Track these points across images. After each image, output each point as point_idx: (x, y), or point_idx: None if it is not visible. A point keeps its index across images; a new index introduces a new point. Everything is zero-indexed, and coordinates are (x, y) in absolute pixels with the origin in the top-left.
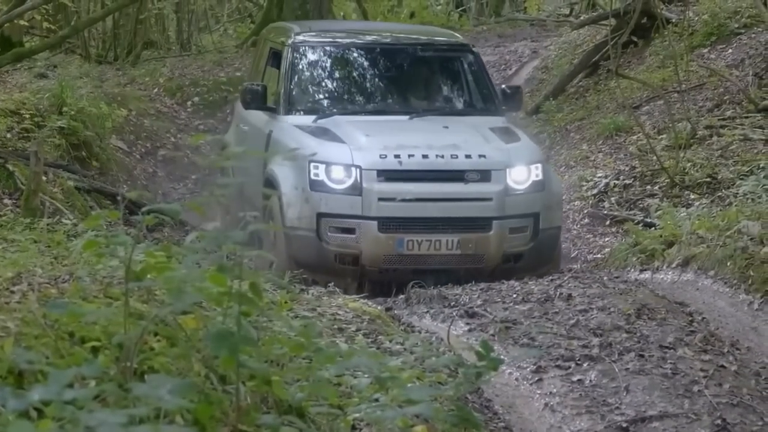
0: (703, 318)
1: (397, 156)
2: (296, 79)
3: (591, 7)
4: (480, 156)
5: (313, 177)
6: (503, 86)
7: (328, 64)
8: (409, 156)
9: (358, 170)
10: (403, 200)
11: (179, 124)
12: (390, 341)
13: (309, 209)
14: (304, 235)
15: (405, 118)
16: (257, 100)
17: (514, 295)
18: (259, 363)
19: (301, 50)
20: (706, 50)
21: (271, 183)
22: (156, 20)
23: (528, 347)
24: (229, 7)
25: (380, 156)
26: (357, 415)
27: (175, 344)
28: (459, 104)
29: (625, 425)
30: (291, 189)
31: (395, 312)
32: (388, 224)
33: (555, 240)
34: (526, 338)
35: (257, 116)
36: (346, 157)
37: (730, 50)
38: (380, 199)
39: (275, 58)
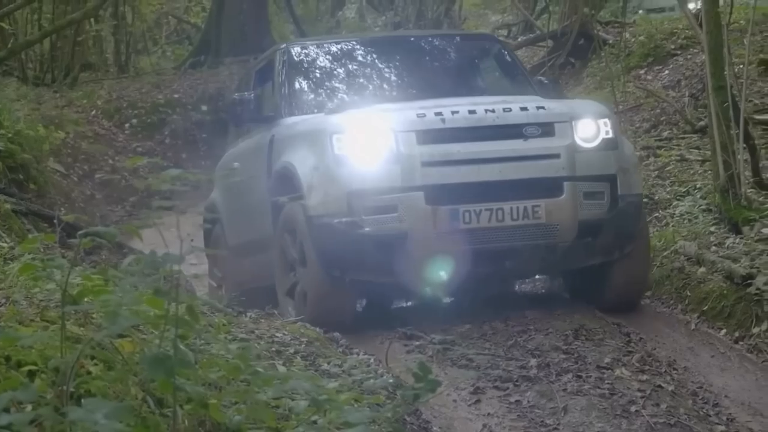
0: (641, 338)
1: (438, 114)
2: (296, 78)
3: (528, 28)
4: (538, 108)
5: (337, 151)
6: (539, 77)
7: (328, 63)
8: (453, 113)
9: (392, 134)
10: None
11: (117, 147)
12: (328, 363)
13: (337, 189)
14: (332, 222)
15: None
16: (250, 110)
17: (453, 316)
18: (196, 386)
19: (295, 52)
20: (642, 71)
21: (287, 178)
22: (94, 42)
23: (466, 368)
24: (167, 30)
25: (417, 116)
26: None
27: (112, 368)
28: (482, 81)
29: None
30: (311, 171)
31: (333, 334)
32: (437, 194)
33: (638, 210)
34: (464, 359)
35: (252, 140)
36: (376, 121)
37: (667, 71)
38: (424, 164)
39: (265, 75)
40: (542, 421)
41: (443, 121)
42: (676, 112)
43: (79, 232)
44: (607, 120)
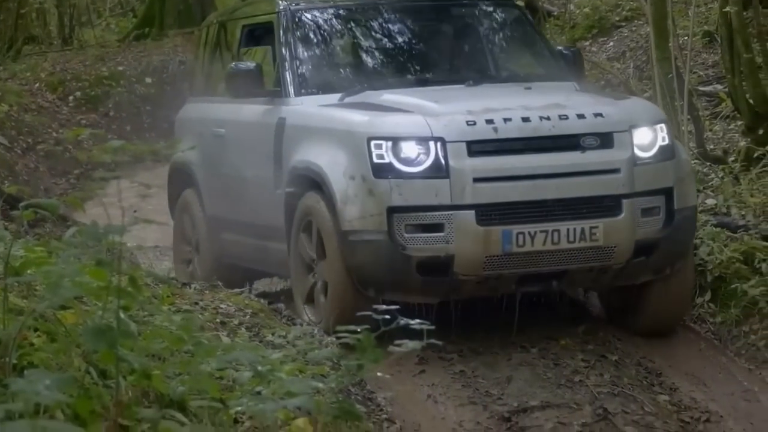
0: (585, 310)
1: (489, 121)
2: (303, 50)
3: None
4: (596, 115)
5: (376, 160)
6: (560, 48)
7: (340, 28)
8: (506, 120)
9: (440, 144)
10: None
11: (61, 120)
12: (272, 335)
13: (375, 203)
14: (371, 239)
15: (460, 86)
16: (252, 83)
17: None
18: (139, 357)
19: (301, 14)
20: (587, 43)
21: (307, 179)
22: (37, 15)
23: (410, 339)
24: (111, 2)
25: (467, 123)
26: (239, 408)
27: (54, 339)
28: (518, 69)
29: (507, 415)
30: (345, 179)
31: (278, 305)
32: (489, 213)
33: (693, 224)
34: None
35: (246, 110)
36: (421, 127)
37: (611, 43)
38: (476, 180)
39: (256, 36)
40: (487, 391)
41: (495, 130)
42: (620, 84)
43: (22, 204)
44: (663, 125)
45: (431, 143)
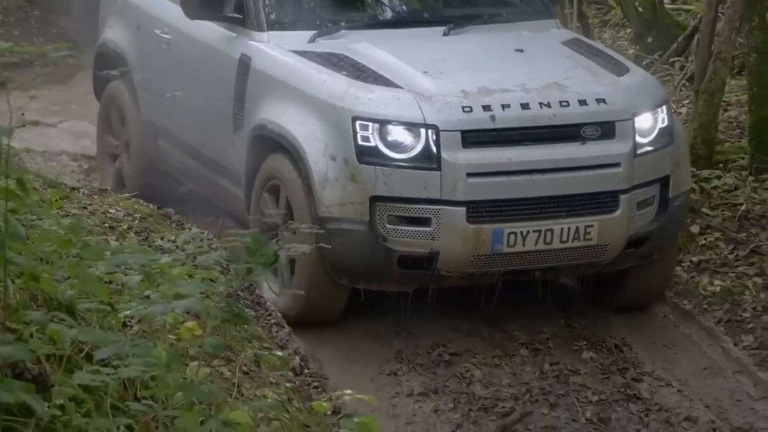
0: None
1: (487, 108)
2: None
3: None
4: (599, 100)
5: (361, 141)
6: None
7: None
8: (504, 107)
9: (432, 132)
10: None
11: None
12: (161, 239)
13: (358, 191)
14: (349, 228)
15: (440, 31)
16: (211, 4)
17: None
18: (27, 260)
19: None
20: None
21: (277, 143)
22: None
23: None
24: None
25: (464, 109)
26: (127, 312)
27: None
28: (498, 7)
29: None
30: (325, 159)
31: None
32: (480, 211)
33: (685, 211)
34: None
35: (203, 28)
36: (413, 110)
37: None
38: (469, 175)
39: None
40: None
41: (493, 119)
42: None
43: None
44: (665, 105)
45: (423, 130)
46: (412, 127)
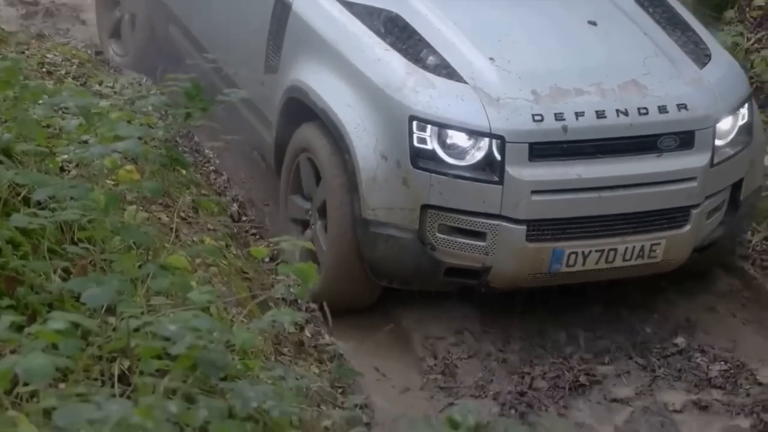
0: None
1: (559, 116)
2: None
3: None
4: (680, 106)
5: (417, 143)
6: None
7: None
8: (578, 116)
9: (497, 142)
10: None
11: None
12: (100, 85)
13: (409, 197)
14: (396, 235)
15: None
16: None
17: None
18: None
19: None
20: None
21: (313, 112)
22: None
23: None
24: None
25: (534, 118)
26: (65, 156)
27: None
28: None
29: None
30: (375, 156)
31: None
32: (542, 230)
33: (755, 209)
34: None
35: None
36: (477, 116)
37: None
38: (534, 192)
39: None
40: None
41: (565, 130)
42: None
43: None
44: (746, 104)
45: (487, 140)
46: (475, 135)
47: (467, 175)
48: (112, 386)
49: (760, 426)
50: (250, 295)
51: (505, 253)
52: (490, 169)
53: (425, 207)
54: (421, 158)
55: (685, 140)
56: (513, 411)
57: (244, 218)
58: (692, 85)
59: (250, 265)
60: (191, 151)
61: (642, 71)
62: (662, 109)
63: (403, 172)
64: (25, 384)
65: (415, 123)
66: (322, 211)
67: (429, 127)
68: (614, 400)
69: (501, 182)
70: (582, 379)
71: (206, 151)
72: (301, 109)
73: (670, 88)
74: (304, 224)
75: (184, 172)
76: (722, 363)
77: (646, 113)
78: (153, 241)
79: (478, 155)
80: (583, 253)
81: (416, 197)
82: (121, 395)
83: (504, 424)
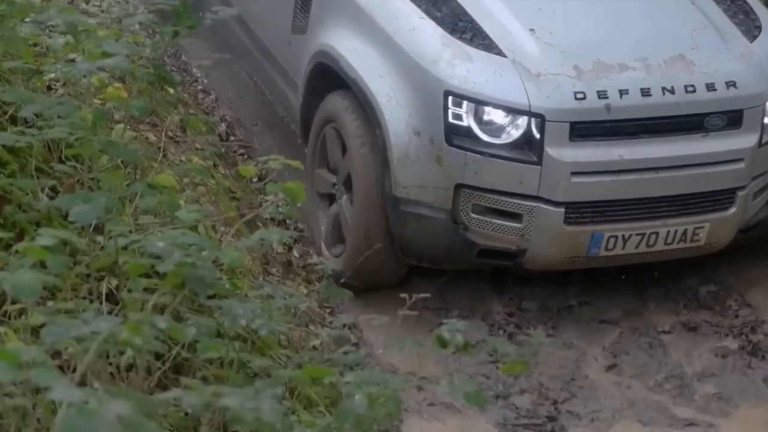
0: None
1: (602, 94)
2: None
3: None
4: (729, 84)
5: (452, 119)
6: None
7: None
8: (622, 93)
9: (537, 121)
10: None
11: None
12: (87, 3)
13: (443, 176)
14: (428, 215)
15: None
16: None
17: None
18: None
19: None
20: None
21: (341, 80)
22: None
23: None
24: None
25: (576, 95)
26: (52, 75)
27: None
28: None
29: None
30: (407, 132)
31: None
32: (581, 212)
33: None
34: None
35: None
36: (516, 92)
37: None
38: (574, 174)
39: None
40: None
41: (608, 108)
42: None
43: None
44: None
45: (525, 118)
46: (514, 112)
47: (504, 154)
48: (101, 305)
49: (749, 347)
50: (238, 214)
51: (541, 235)
52: (529, 148)
53: (459, 186)
54: (456, 135)
55: (733, 119)
56: (501, 332)
57: (232, 138)
58: (742, 61)
59: (238, 185)
60: (179, 70)
61: (689, 45)
62: (710, 87)
63: (436, 150)
64: (14, 302)
65: (450, 98)
66: (348, 185)
67: (465, 103)
68: (603, 321)
69: (539, 162)
70: (571, 300)
71: (194, 70)
72: (330, 75)
73: (719, 63)
74: (331, 198)
75: (171, 91)
76: (711, 285)
77: (693, 91)
78: (141, 160)
79: (515, 134)
80: (623, 236)
81: (450, 176)
82: (110, 313)
83: (492, 342)
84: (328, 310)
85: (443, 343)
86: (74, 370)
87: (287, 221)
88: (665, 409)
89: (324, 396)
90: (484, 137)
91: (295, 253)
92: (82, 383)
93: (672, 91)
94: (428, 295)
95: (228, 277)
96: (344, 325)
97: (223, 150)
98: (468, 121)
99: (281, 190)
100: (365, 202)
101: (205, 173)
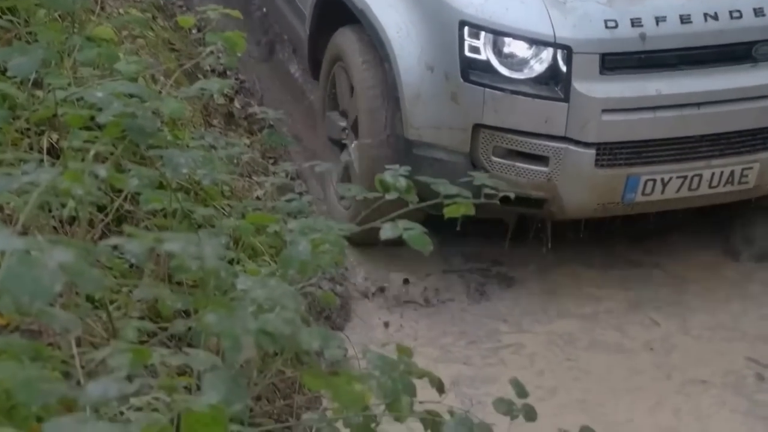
0: None
1: (636, 22)
2: None
3: None
4: None
5: (468, 53)
6: None
7: None
8: (658, 21)
9: (563, 53)
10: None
11: None
12: None
13: (460, 116)
14: (444, 158)
15: None
16: None
17: None
18: None
19: None
20: None
21: (350, 12)
22: None
23: None
24: None
25: (607, 24)
26: None
27: None
28: None
29: None
30: (419, 67)
31: None
32: (614, 154)
33: None
34: None
35: None
36: (540, 21)
37: None
38: (605, 111)
39: None
40: None
41: (643, 38)
42: None
43: None
44: None
45: (551, 50)
46: (537, 44)
47: (527, 90)
48: (42, 159)
49: None
50: (178, 65)
51: (570, 180)
52: (554, 83)
53: (477, 126)
54: (473, 70)
55: None
56: None
57: None
58: None
59: (178, 36)
60: None
61: None
62: (758, 12)
63: (452, 86)
64: None
65: (466, 29)
66: (356, 129)
67: (483, 33)
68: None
69: (566, 99)
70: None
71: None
72: (340, 5)
73: None
74: (342, 145)
75: None
76: None
77: (740, 17)
78: (78, 12)
79: (539, 67)
80: (662, 179)
81: (467, 115)
82: (51, 167)
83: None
84: (271, 161)
85: (386, 187)
86: (16, 224)
87: (228, 72)
88: (621, 254)
89: (269, 245)
90: (505, 72)
91: (237, 104)
92: (24, 235)
93: (715, 17)
94: None
95: (169, 128)
96: (286, 174)
97: (161, 2)
98: (486, 54)
99: (220, 40)
100: (372, 147)
101: (144, 25)
